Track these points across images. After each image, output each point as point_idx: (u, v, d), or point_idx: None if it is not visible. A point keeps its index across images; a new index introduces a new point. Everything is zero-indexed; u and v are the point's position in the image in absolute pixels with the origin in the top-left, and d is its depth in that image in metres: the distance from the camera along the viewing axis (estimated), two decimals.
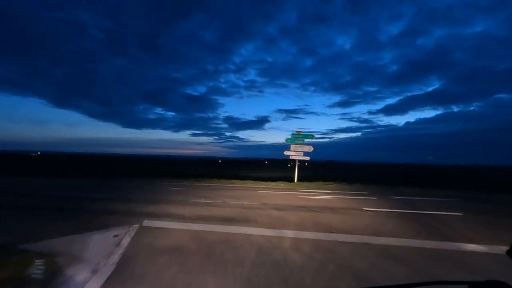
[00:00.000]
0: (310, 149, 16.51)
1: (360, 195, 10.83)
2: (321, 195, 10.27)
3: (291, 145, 16.63)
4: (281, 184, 14.77)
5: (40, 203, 7.34)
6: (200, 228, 4.98)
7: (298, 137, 16.74)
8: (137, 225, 5.02)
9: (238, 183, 14.94)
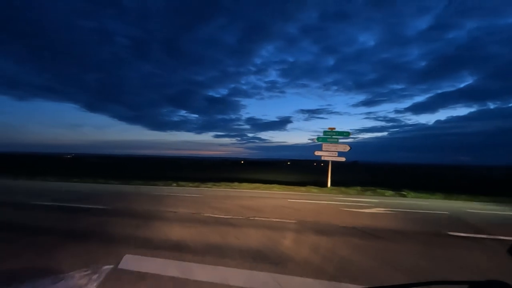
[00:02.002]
0: (345, 148, 14.13)
1: (420, 207, 8.38)
2: (370, 208, 7.96)
3: (323, 144, 14.35)
4: (313, 190, 12.54)
5: (14, 219, 5.81)
6: (205, 276, 2.99)
7: (331, 135, 14.42)
8: (110, 267, 3.15)
9: (263, 189, 12.92)
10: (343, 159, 14.21)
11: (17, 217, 5.84)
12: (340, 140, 14.31)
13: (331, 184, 14.28)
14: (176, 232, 4.72)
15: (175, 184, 14.33)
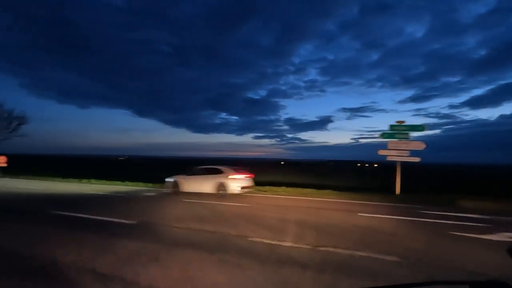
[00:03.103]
0: (420, 146, 11.25)
1: None
2: (490, 232, 5.34)
3: (390, 142, 11.64)
4: (377, 198, 9.98)
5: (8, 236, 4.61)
6: None
7: (400, 131, 11.65)
8: None
9: (316, 195, 10.75)
10: (417, 159, 11.35)
11: (15, 235, 4.63)
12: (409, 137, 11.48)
13: (401, 191, 11.50)
14: (210, 279, 2.91)
15: None
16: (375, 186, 15.12)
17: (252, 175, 11.67)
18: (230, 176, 10.29)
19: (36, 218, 6.05)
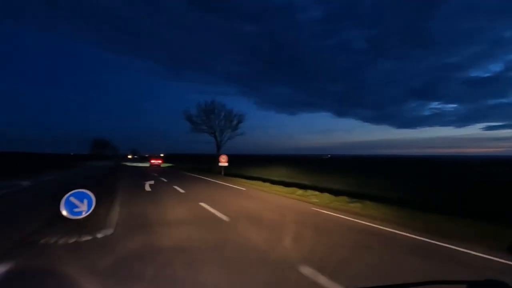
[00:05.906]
0: None
1: None
2: None
3: None
4: None
5: None
6: None
7: None
8: None
9: None
10: None
11: None
12: None
13: None
14: None
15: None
16: None
17: (161, 160, 44.51)
18: (152, 160, 42.30)
19: None
